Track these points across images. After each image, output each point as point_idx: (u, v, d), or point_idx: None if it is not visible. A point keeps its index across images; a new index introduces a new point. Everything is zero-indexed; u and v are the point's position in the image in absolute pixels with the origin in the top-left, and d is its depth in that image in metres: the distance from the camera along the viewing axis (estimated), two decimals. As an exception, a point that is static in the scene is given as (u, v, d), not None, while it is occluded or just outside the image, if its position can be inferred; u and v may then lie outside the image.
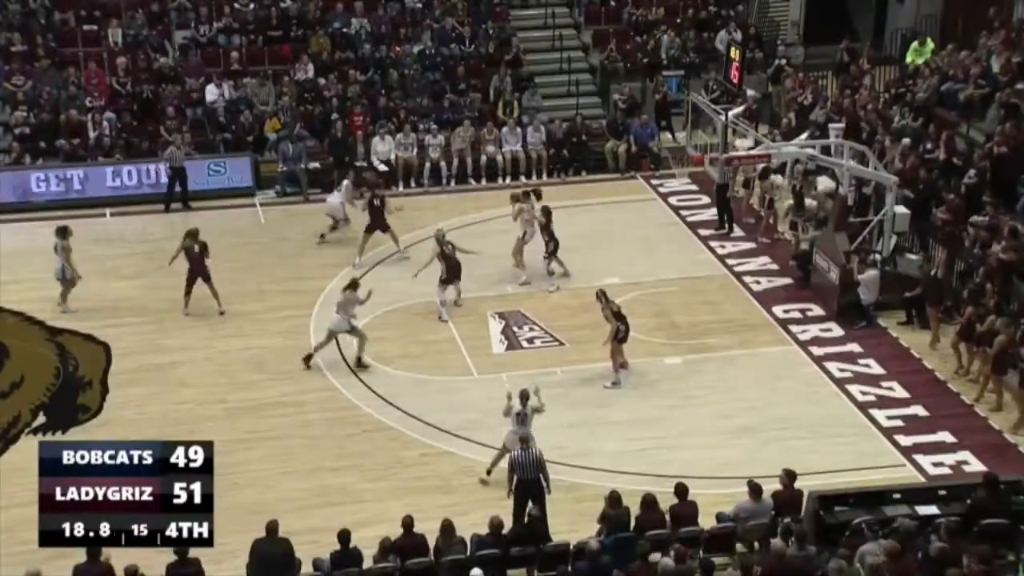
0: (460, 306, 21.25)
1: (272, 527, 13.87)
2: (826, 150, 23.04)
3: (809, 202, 22.70)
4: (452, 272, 21.00)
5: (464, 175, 26.64)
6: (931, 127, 24.46)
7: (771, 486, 14.90)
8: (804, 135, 24.79)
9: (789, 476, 14.77)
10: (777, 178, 24.10)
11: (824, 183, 23.30)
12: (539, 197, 22.45)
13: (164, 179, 25.70)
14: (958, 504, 14.55)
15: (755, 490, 14.62)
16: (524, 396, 16.37)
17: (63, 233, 21.30)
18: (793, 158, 23.47)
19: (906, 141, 23.88)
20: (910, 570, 12.79)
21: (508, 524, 14.55)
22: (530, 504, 15.03)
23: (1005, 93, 23.83)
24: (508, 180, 26.85)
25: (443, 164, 26.74)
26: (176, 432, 16.83)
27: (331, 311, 19.95)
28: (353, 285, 19.74)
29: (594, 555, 13.35)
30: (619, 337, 19.11)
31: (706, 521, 14.65)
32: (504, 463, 16.07)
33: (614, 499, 14.47)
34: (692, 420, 18.33)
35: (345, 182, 23.91)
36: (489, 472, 16.77)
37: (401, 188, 26.55)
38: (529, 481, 15.20)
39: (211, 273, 21.23)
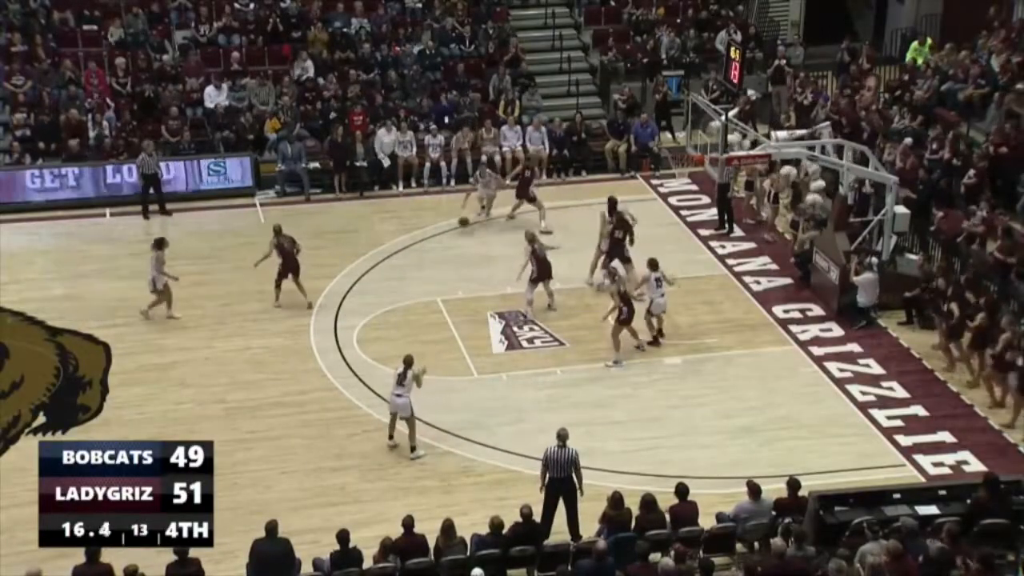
0: (554, 310, 21.05)
1: (271, 527, 13.88)
2: (823, 149, 23.05)
3: (810, 197, 22.65)
4: (543, 271, 20.86)
5: (464, 175, 26.63)
6: (931, 127, 24.48)
7: (771, 486, 14.91)
8: (784, 133, 24.79)
9: (792, 487, 14.72)
10: (787, 168, 24.04)
11: (815, 181, 23.25)
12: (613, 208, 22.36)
13: (164, 179, 25.69)
14: (958, 504, 14.56)
15: (754, 490, 14.62)
16: (408, 362, 17.22)
17: (159, 244, 20.88)
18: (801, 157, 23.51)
19: (907, 141, 23.92)
20: (910, 570, 12.79)
21: (506, 524, 14.50)
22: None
23: (1007, 100, 23.82)
24: (508, 178, 26.87)
25: (443, 164, 26.73)
26: (176, 432, 16.84)
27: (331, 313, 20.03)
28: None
29: (601, 555, 13.35)
30: (621, 318, 19.25)
31: (706, 521, 14.65)
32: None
33: (616, 500, 14.46)
34: (692, 420, 18.34)
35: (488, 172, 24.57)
36: (414, 448, 17.34)
37: (401, 188, 26.56)
38: (561, 479, 15.18)
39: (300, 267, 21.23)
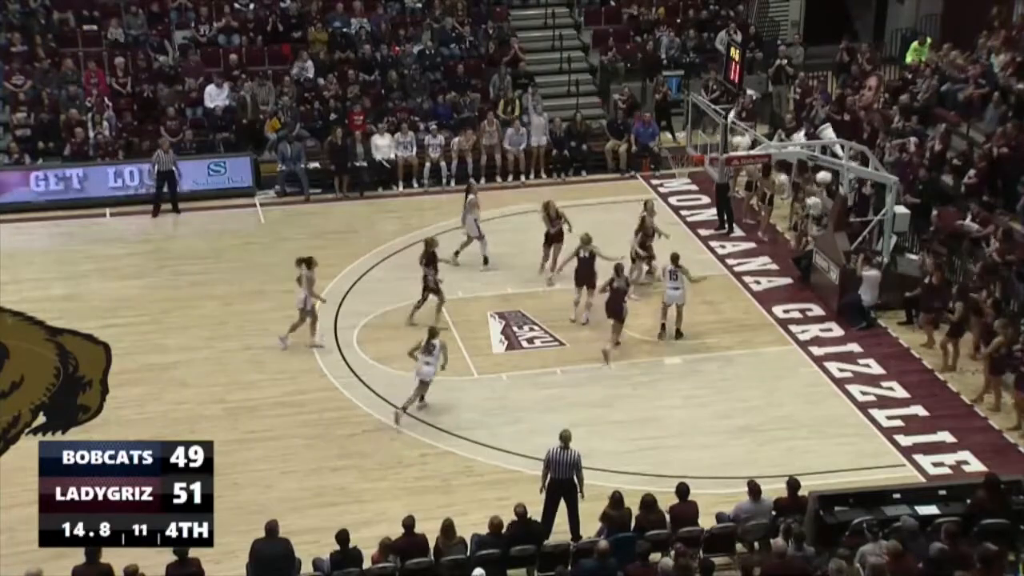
0: (585, 323, 20.79)
1: (272, 527, 13.87)
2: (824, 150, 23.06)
3: (812, 200, 22.68)
4: (580, 277, 20.69)
5: (464, 175, 26.64)
6: (931, 127, 24.49)
7: (771, 486, 14.91)
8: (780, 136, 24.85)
9: (792, 487, 14.71)
10: (781, 175, 24.08)
11: (821, 176, 23.26)
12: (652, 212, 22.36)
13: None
14: (958, 504, 14.56)
15: (754, 490, 14.61)
16: (434, 332, 17.93)
17: (309, 263, 20.02)
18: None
19: (908, 140, 23.92)
20: (911, 571, 12.79)
21: (507, 523, 14.51)
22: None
23: (1011, 101, 23.83)
24: (509, 179, 26.88)
25: (443, 164, 26.73)
26: (176, 432, 16.86)
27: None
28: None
29: (604, 555, 13.34)
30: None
31: (706, 521, 14.65)
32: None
33: (616, 500, 14.45)
34: (692, 420, 18.34)
35: (470, 196, 22.90)
36: (405, 409, 17.97)
37: (402, 188, 26.55)
38: (561, 480, 15.17)
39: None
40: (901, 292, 20.86)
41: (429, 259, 20.53)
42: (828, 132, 24.42)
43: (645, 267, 21.98)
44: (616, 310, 19.66)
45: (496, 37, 29.62)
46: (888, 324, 20.90)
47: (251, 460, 17.26)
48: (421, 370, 17.95)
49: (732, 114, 25.14)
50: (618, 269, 19.79)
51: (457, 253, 22.70)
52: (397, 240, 24.06)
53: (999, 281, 19.82)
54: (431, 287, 20.45)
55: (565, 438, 15.22)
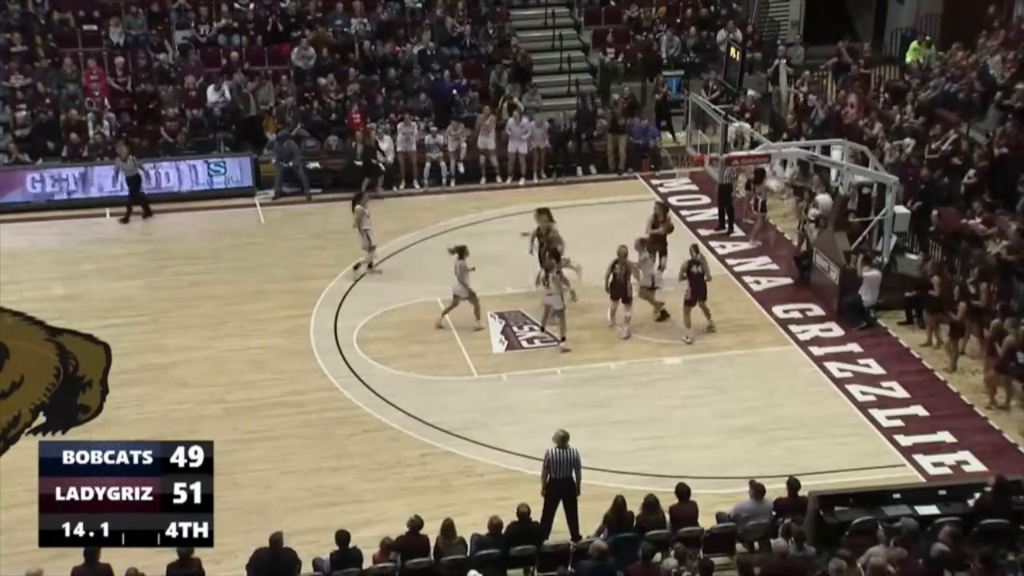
0: (624, 337, 20.48)
1: (276, 539, 13.72)
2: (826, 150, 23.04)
3: (822, 197, 22.62)
4: (616, 290, 20.54)
5: (464, 175, 26.65)
6: (932, 127, 24.48)
7: (771, 486, 14.88)
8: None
9: (792, 487, 14.69)
10: (772, 182, 24.08)
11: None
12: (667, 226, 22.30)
13: (164, 180, 25.74)
14: (958, 504, 14.56)
15: (758, 491, 14.57)
16: (549, 266, 20.10)
17: (461, 252, 20.41)
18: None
19: (907, 141, 23.93)
20: (913, 572, 12.79)
21: (507, 523, 14.50)
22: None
23: (1012, 99, 23.82)
24: (509, 180, 26.87)
25: (443, 164, 26.73)
26: (176, 432, 16.85)
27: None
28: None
29: (602, 555, 13.33)
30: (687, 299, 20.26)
31: (706, 521, 14.64)
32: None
33: (619, 505, 14.40)
34: (692, 420, 18.33)
35: (358, 207, 22.27)
36: (543, 329, 20.23)
37: (403, 187, 26.53)
38: (561, 480, 15.15)
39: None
40: (901, 292, 20.86)
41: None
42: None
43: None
44: (700, 292, 20.32)
45: (496, 37, 29.62)
46: (888, 324, 20.90)
47: (251, 460, 17.26)
48: (545, 300, 20.08)
49: (763, 146, 24.63)
50: (694, 249, 20.55)
51: (371, 265, 22.49)
52: (397, 240, 24.06)
53: (1002, 280, 19.81)
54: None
55: (561, 437, 15.19)
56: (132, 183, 25.04)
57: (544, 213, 21.71)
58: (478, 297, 20.69)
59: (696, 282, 20.32)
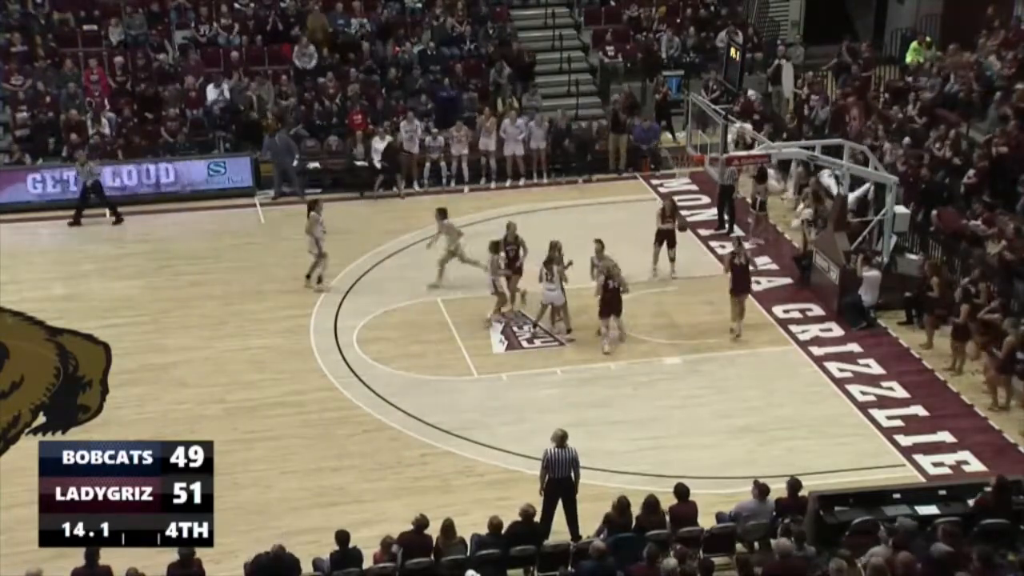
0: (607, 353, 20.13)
1: (279, 553, 13.62)
2: (827, 150, 23.02)
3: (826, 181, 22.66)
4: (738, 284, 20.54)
5: (463, 175, 26.63)
6: (933, 128, 24.49)
7: (771, 486, 14.83)
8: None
9: (792, 487, 14.67)
10: (773, 183, 24.05)
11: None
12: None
13: (164, 179, 25.72)
14: (958, 504, 14.55)
15: (762, 491, 14.52)
16: (552, 256, 19.95)
17: (495, 247, 20.68)
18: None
19: (907, 140, 23.92)
20: (913, 573, 12.77)
21: (506, 525, 14.49)
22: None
23: (1013, 99, 23.81)
24: (508, 181, 26.85)
25: (443, 164, 26.72)
26: (176, 432, 16.85)
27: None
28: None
29: (602, 555, 13.32)
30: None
31: (706, 521, 14.64)
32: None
33: (622, 506, 14.38)
34: (692, 420, 18.33)
35: (313, 213, 22.09)
36: (535, 326, 20.28)
37: (403, 187, 26.52)
38: (560, 480, 15.15)
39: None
40: (901, 292, 20.86)
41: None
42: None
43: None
44: (746, 286, 20.38)
45: (496, 37, 29.61)
46: (888, 324, 20.90)
47: (251, 460, 17.25)
48: (547, 296, 20.06)
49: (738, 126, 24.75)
50: (737, 242, 20.67)
51: (320, 280, 22.20)
52: (397, 240, 24.05)
53: (1002, 280, 19.80)
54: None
55: (560, 437, 15.18)
56: (95, 189, 24.84)
57: (441, 212, 22.06)
58: (507, 297, 20.87)
59: (739, 273, 20.27)
